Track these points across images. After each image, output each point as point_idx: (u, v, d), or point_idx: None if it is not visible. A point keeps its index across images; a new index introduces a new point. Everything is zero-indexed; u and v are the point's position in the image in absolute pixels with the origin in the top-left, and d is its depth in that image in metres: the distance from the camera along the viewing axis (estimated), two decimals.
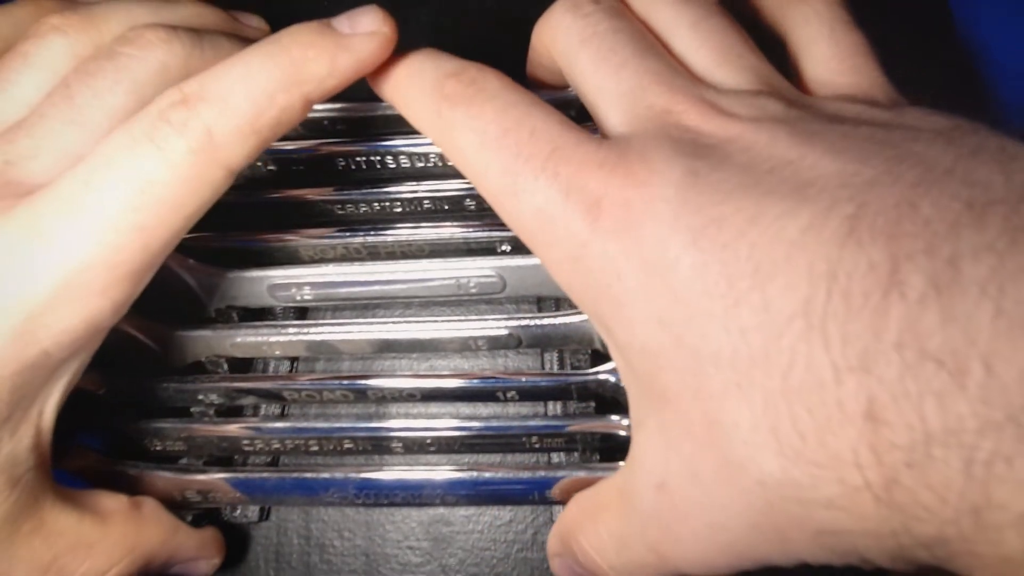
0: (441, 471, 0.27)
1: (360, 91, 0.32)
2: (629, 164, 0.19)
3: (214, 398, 0.29)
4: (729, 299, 0.17)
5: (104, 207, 0.20)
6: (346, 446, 0.28)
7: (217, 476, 0.27)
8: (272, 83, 0.21)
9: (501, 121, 0.21)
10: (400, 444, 0.28)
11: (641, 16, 0.24)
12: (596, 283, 0.19)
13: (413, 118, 0.23)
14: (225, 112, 0.21)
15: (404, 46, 0.24)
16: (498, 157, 0.20)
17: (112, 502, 0.25)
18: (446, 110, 0.21)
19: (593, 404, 0.28)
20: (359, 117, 0.32)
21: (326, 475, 0.27)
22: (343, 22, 0.23)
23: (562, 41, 0.23)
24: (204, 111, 0.21)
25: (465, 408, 0.30)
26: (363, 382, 0.28)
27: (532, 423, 0.27)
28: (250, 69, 0.21)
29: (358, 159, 0.31)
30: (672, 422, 0.19)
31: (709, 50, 0.22)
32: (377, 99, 0.31)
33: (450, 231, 0.29)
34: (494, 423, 0.27)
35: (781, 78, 0.22)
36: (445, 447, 0.28)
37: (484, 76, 0.22)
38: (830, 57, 0.23)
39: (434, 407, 0.30)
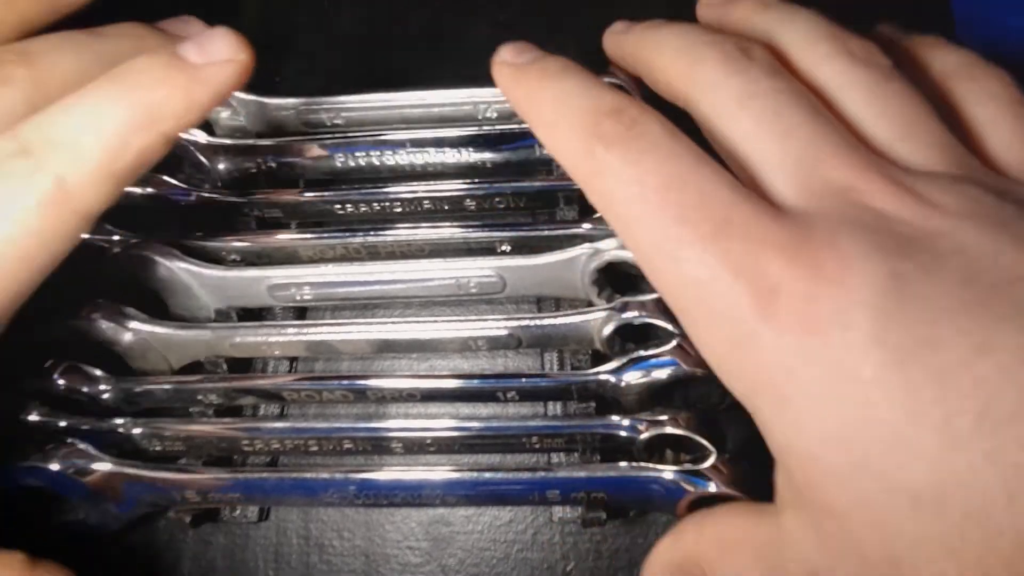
0: (441, 471, 0.27)
1: (358, 89, 0.32)
2: (815, 252, 0.17)
3: (213, 398, 0.29)
4: (945, 438, 0.15)
5: None
6: (346, 446, 0.28)
7: (216, 476, 0.27)
8: (125, 125, 0.20)
9: (664, 174, 0.19)
10: (400, 444, 0.28)
11: (804, 75, 0.22)
12: (758, 374, 0.17)
13: (557, 150, 0.21)
14: (78, 160, 0.19)
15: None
16: (657, 215, 0.18)
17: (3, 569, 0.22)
18: (600, 151, 0.19)
19: (593, 404, 0.28)
20: (358, 116, 0.32)
21: (325, 475, 0.27)
22: (193, 50, 0.21)
23: (711, 98, 0.21)
24: (52, 160, 0.19)
25: (465, 408, 0.30)
26: (362, 382, 0.28)
27: (532, 423, 0.27)
28: (98, 111, 0.20)
29: (358, 157, 0.31)
30: (836, 534, 0.17)
31: (890, 120, 0.20)
32: (376, 96, 0.32)
33: (450, 231, 0.29)
34: (494, 423, 0.27)
35: (972, 157, 0.20)
36: (445, 447, 0.28)
37: (646, 118, 0.20)
38: (1014, 141, 0.21)
39: (434, 407, 0.30)
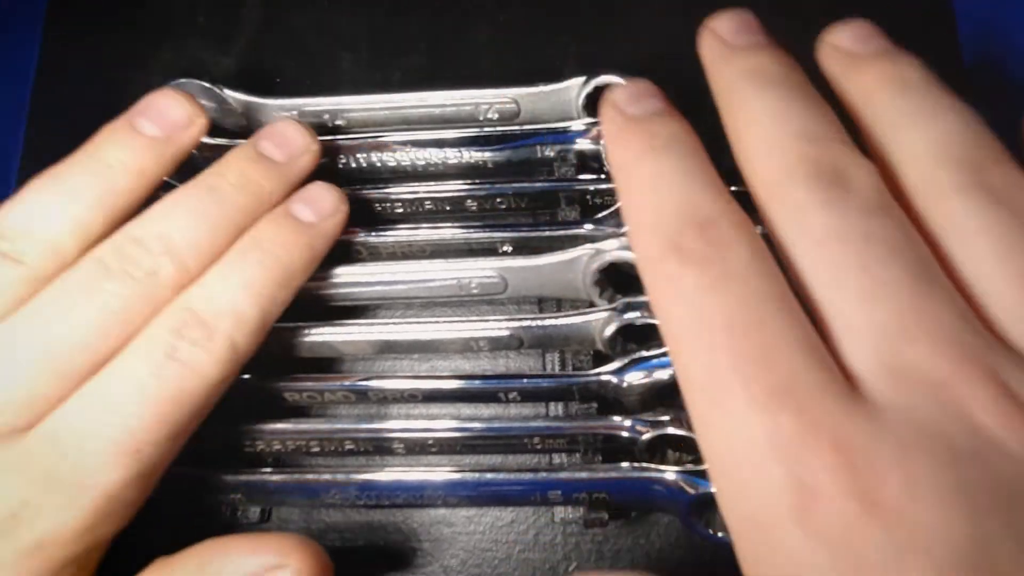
0: (442, 472, 0.27)
1: (358, 90, 0.32)
2: (879, 468, 0.14)
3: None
4: None
5: (137, 429, 0.21)
6: (347, 447, 0.28)
7: (218, 477, 0.27)
8: (272, 288, 0.24)
9: (732, 315, 0.16)
10: (401, 445, 0.28)
11: (920, 208, 0.18)
12: (772, 569, 0.15)
13: (632, 233, 0.20)
14: (242, 324, 0.23)
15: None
16: (712, 355, 0.16)
17: None
18: (674, 264, 0.17)
19: (595, 405, 0.28)
20: (359, 116, 0.32)
21: (327, 476, 0.27)
22: (304, 211, 0.25)
23: (791, 221, 0.18)
24: (222, 327, 0.23)
25: (466, 409, 0.30)
26: (364, 383, 0.28)
27: (534, 424, 0.27)
28: (250, 280, 0.23)
29: (359, 158, 0.31)
30: None
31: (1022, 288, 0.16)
32: (377, 97, 0.31)
33: (451, 232, 0.29)
34: (495, 424, 0.27)
35: None
36: (446, 448, 0.28)
37: (736, 241, 0.17)
38: None
39: (435, 408, 0.30)
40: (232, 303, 0.23)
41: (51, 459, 0.20)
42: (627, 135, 0.20)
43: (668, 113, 0.21)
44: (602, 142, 0.21)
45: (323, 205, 0.26)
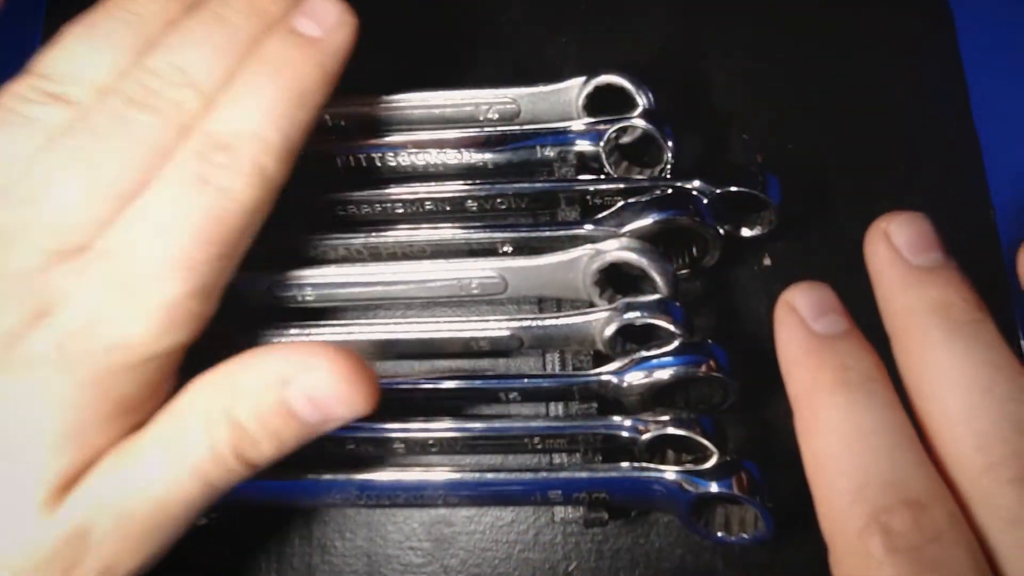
0: (443, 472, 0.27)
1: (359, 91, 0.32)
2: None
3: None
4: None
5: (187, 247, 0.22)
6: (348, 447, 0.28)
7: None
8: (288, 108, 0.24)
9: None
10: (402, 445, 0.28)
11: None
12: None
13: (825, 492, 0.18)
14: (266, 147, 0.23)
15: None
16: None
17: None
18: (875, 547, 0.16)
19: (595, 405, 0.28)
20: (361, 115, 0.32)
21: (328, 476, 0.27)
22: (308, 24, 0.24)
23: (987, 500, 0.17)
24: (247, 150, 0.23)
25: (467, 409, 0.30)
26: None
27: (534, 424, 0.27)
28: (266, 100, 0.23)
29: (359, 158, 0.31)
30: None
31: None
32: (377, 97, 0.31)
33: (451, 232, 0.29)
34: (495, 424, 0.27)
35: None
36: (447, 448, 0.28)
37: (954, 539, 0.16)
38: None
39: (435, 408, 0.30)
40: (250, 125, 0.23)
41: (111, 273, 0.22)
42: (815, 359, 0.19)
43: (856, 337, 0.19)
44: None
45: (327, 17, 0.25)
